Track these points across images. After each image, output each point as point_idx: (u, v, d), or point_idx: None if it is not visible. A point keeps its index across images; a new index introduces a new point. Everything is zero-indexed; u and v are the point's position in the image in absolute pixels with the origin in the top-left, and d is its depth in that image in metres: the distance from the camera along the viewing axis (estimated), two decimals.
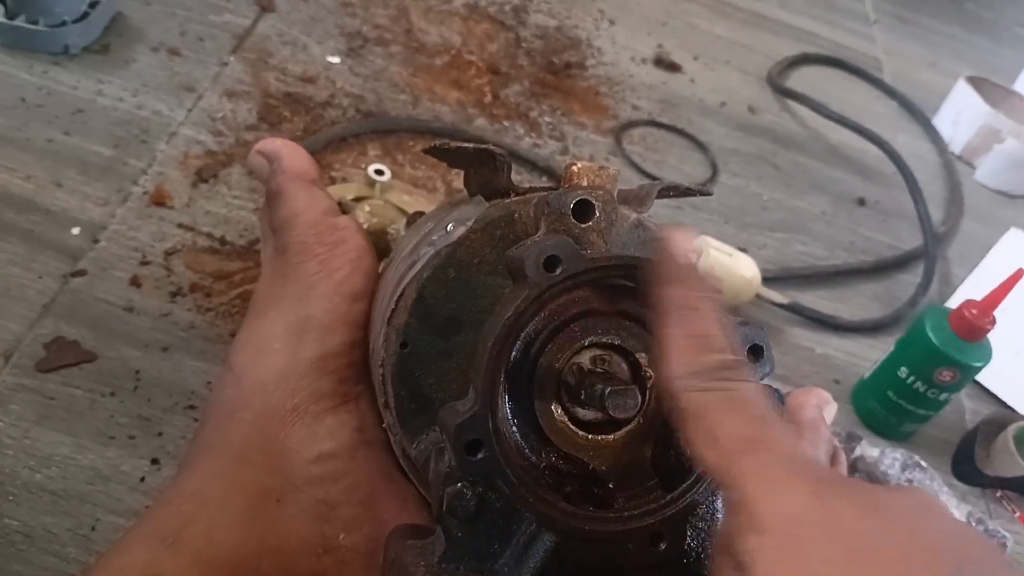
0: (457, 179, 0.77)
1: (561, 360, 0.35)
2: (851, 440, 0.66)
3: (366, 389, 0.45)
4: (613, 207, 0.35)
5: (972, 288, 0.82)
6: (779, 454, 0.27)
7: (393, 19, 0.92)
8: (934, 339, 0.65)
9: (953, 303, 0.83)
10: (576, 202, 0.34)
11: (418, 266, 0.41)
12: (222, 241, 0.65)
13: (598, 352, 0.35)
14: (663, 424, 0.35)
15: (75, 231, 0.62)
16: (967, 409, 0.76)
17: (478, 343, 0.36)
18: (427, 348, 0.39)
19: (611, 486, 0.34)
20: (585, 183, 0.40)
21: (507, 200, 0.42)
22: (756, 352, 0.33)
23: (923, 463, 0.65)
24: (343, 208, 0.63)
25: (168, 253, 0.62)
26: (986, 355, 0.66)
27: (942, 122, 1.10)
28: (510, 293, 0.33)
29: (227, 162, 0.70)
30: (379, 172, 0.69)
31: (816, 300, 0.80)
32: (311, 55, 0.84)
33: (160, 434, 0.53)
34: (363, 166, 0.73)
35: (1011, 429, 0.70)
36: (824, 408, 0.46)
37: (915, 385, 0.67)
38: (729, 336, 0.29)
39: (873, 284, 0.84)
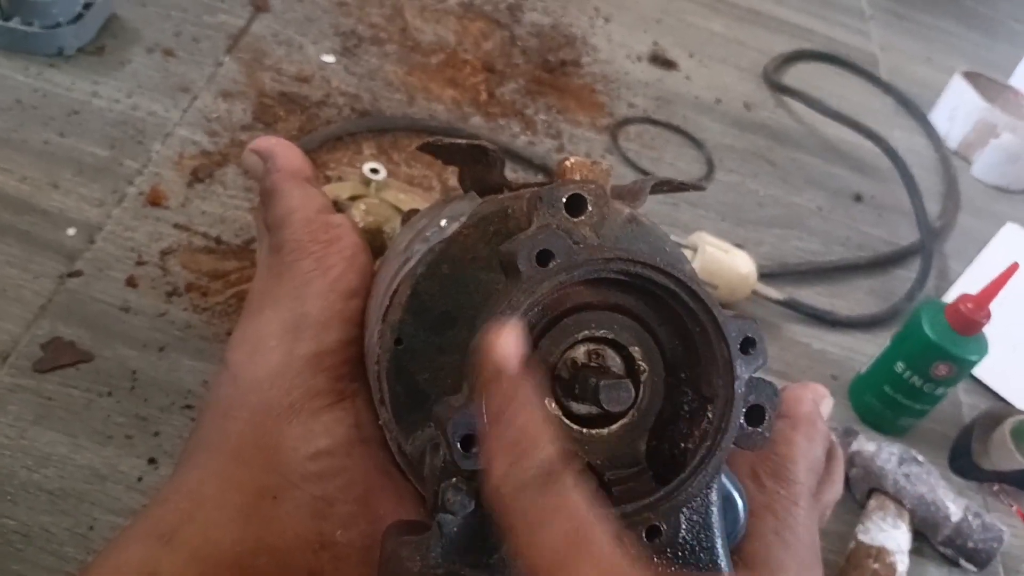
0: (453, 177, 0.77)
1: (555, 354, 0.35)
2: (848, 435, 0.66)
3: (362, 386, 0.45)
4: (605, 201, 0.35)
5: (968, 283, 0.82)
6: (594, 566, 0.26)
7: (388, 18, 0.92)
8: (930, 333, 0.65)
9: (949, 298, 0.83)
10: (568, 196, 0.34)
11: (412, 262, 0.41)
12: (218, 241, 0.65)
13: (592, 346, 0.35)
14: (657, 417, 0.35)
15: (71, 232, 0.62)
16: (964, 404, 0.76)
17: (472, 338, 0.36)
18: (421, 344, 0.40)
19: (606, 479, 0.34)
20: (578, 178, 0.41)
21: (500, 196, 0.42)
22: (748, 345, 0.33)
23: (920, 458, 0.65)
24: (338, 207, 0.63)
25: (164, 253, 0.62)
26: (982, 349, 0.66)
27: (938, 117, 1.10)
28: (503, 288, 0.33)
29: (222, 162, 0.70)
30: (374, 171, 0.69)
31: (813, 296, 0.80)
32: (306, 55, 0.84)
33: (157, 433, 0.53)
34: (358, 165, 0.73)
35: (1008, 423, 0.70)
36: (821, 403, 0.46)
37: (911, 380, 0.67)
38: (552, 439, 0.28)
39: (870, 279, 0.84)
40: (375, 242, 0.55)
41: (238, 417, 0.43)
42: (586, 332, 0.35)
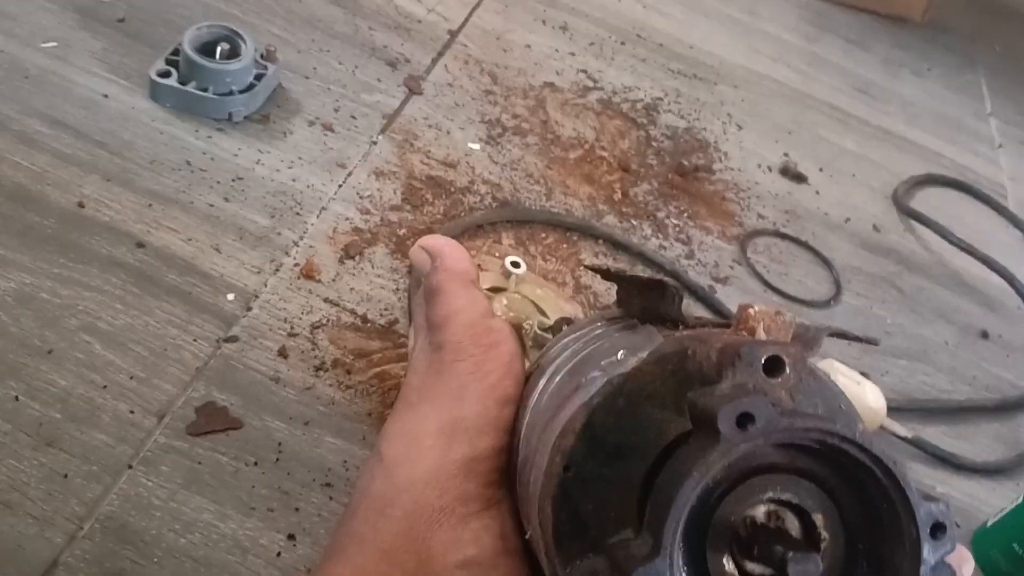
0: (585, 275, 0.79)
1: (736, 512, 0.35)
2: None
3: (507, 495, 0.46)
4: (803, 365, 0.35)
5: None
6: None
7: (531, 109, 0.95)
8: None
9: None
10: (768, 357, 0.35)
11: (587, 390, 0.42)
12: (364, 319, 0.67)
13: (773, 507, 0.35)
14: None
15: (230, 297, 0.65)
16: None
17: (648, 478, 0.36)
18: (589, 474, 0.40)
19: None
20: (761, 328, 0.41)
21: (679, 334, 0.43)
22: (938, 529, 0.33)
23: None
24: None
25: (314, 327, 0.65)
26: None
27: None
28: (698, 444, 0.33)
29: (372, 240, 0.73)
30: (516, 264, 0.71)
31: (938, 435, 0.78)
32: (453, 140, 0.87)
33: (297, 509, 0.54)
34: (497, 254, 0.75)
35: None
36: (963, 566, 0.45)
37: None
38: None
39: (996, 423, 0.82)
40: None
41: (392, 516, 0.44)
42: (770, 494, 0.35)
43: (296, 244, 0.70)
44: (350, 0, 0.97)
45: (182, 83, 0.78)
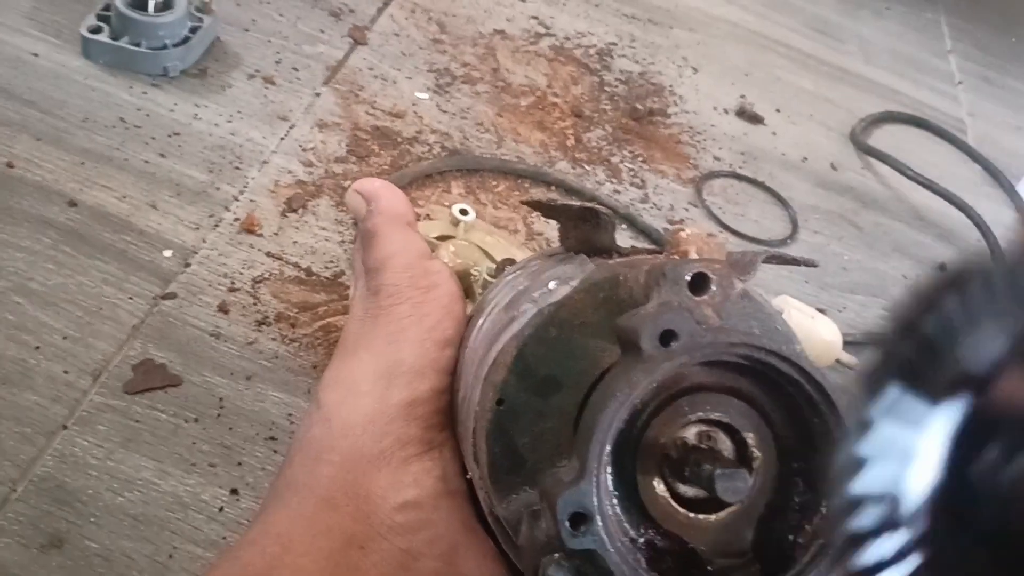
0: (537, 221, 0.77)
1: (666, 434, 0.34)
2: None
3: (449, 437, 0.45)
4: (729, 282, 0.34)
5: None
6: None
7: (481, 58, 0.93)
8: None
9: None
10: (693, 274, 0.34)
11: (519, 323, 0.41)
12: (308, 272, 0.65)
13: (703, 428, 0.35)
14: (767, 507, 0.34)
15: (167, 254, 0.63)
16: None
17: (583, 408, 0.35)
18: (523, 407, 0.39)
19: (709, 569, 0.34)
20: (693, 251, 0.40)
21: (611, 261, 0.42)
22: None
23: None
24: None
25: (256, 281, 0.63)
26: None
27: None
28: (623, 365, 0.33)
29: (316, 193, 0.71)
30: (464, 212, 0.70)
31: None
32: (400, 90, 0.85)
33: (240, 464, 0.53)
34: (446, 203, 0.74)
35: None
36: None
37: None
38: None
39: None
40: (462, 285, 0.55)
41: (330, 461, 0.43)
42: (700, 414, 0.34)
43: (236, 199, 0.69)
44: None
45: (114, 38, 0.76)
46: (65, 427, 0.52)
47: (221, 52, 0.81)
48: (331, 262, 0.67)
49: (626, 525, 0.34)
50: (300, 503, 0.42)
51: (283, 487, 0.44)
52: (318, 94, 0.80)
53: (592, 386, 0.36)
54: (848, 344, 0.75)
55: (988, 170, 1.11)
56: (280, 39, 0.84)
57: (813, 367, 0.32)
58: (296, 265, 0.65)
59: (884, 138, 1.07)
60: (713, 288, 0.34)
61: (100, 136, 0.70)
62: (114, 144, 0.69)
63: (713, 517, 0.34)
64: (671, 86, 1.01)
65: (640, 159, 0.89)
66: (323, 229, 0.69)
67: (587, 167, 0.85)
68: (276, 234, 0.67)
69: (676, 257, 0.40)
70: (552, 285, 0.42)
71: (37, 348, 0.55)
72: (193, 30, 0.78)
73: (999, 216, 1.03)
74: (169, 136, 0.71)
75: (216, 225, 0.66)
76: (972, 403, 0.18)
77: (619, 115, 0.93)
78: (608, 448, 0.32)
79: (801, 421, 0.34)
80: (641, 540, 0.34)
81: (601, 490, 0.32)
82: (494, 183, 0.79)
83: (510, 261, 0.59)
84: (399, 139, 0.79)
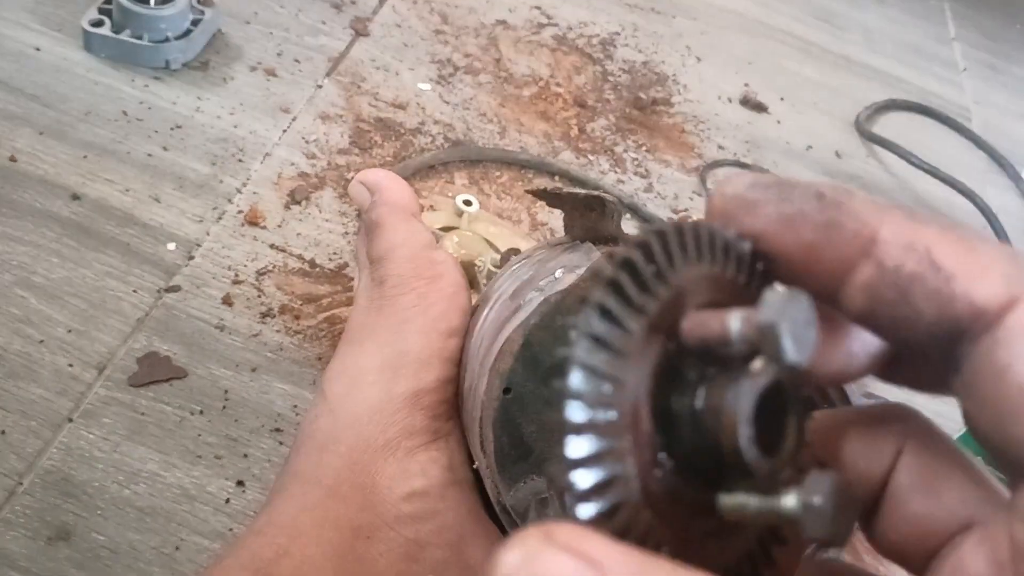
0: (542, 211, 0.77)
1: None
2: None
3: (455, 426, 0.45)
4: None
5: None
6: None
7: (483, 48, 0.93)
8: None
9: None
10: None
11: (525, 311, 0.41)
12: (312, 264, 0.65)
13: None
14: None
15: (171, 246, 0.63)
16: None
17: None
18: (530, 395, 0.39)
19: None
20: None
21: (618, 249, 0.42)
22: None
23: None
24: None
25: (260, 273, 0.63)
26: None
27: None
28: None
29: (319, 185, 0.71)
30: (467, 203, 0.70)
31: None
32: (402, 81, 0.84)
33: (246, 456, 0.53)
34: (450, 194, 0.73)
35: None
36: None
37: None
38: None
39: None
40: (466, 275, 0.55)
41: (335, 451, 0.43)
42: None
43: (239, 191, 0.68)
44: None
45: (116, 32, 0.76)
46: (71, 420, 0.52)
47: (223, 45, 0.80)
48: (335, 254, 0.67)
49: None
50: (306, 494, 0.42)
51: (289, 478, 0.43)
52: (320, 86, 0.80)
53: None
54: None
55: (993, 157, 1.10)
56: (282, 31, 0.84)
57: None
58: (300, 257, 0.65)
59: (888, 126, 1.07)
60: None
61: (102, 129, 0.69)
62: (117, 137, 0.69)
63: None
64: (674, 75, 1.00)
65: (644, 148, 0.89)
66: (327, 221, 0.69)
67: (590, 157, 0.85)
68: (279, 226, 0.67)
69: None
70: (558, 274, 0.42)
71: (41, 342, 0.55)
72: (195, 23, 0.78)
73: (1005, 203, 1.03)
74: (171, 129, 0.71)
75: (219, 218, 0.66)
76: (665, 343, 0.22)
77: (622, 105, 0.93)
78: None
79: None
80: None
81: None
82: (497, 173, 0.79)
83: (515, 251, 0.59)
84: (402, 130, 0.79)
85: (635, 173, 0.86)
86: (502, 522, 0.41)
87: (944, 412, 0.73)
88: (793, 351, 0.20)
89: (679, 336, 0.22)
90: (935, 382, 0.24)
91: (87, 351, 0.56)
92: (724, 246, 0.23)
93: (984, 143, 1.11)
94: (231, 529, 0.50)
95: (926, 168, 0.97)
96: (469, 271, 0.63)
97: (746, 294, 0.24)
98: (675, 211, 0.83)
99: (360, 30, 0.88)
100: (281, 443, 0.54)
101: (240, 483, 0.52)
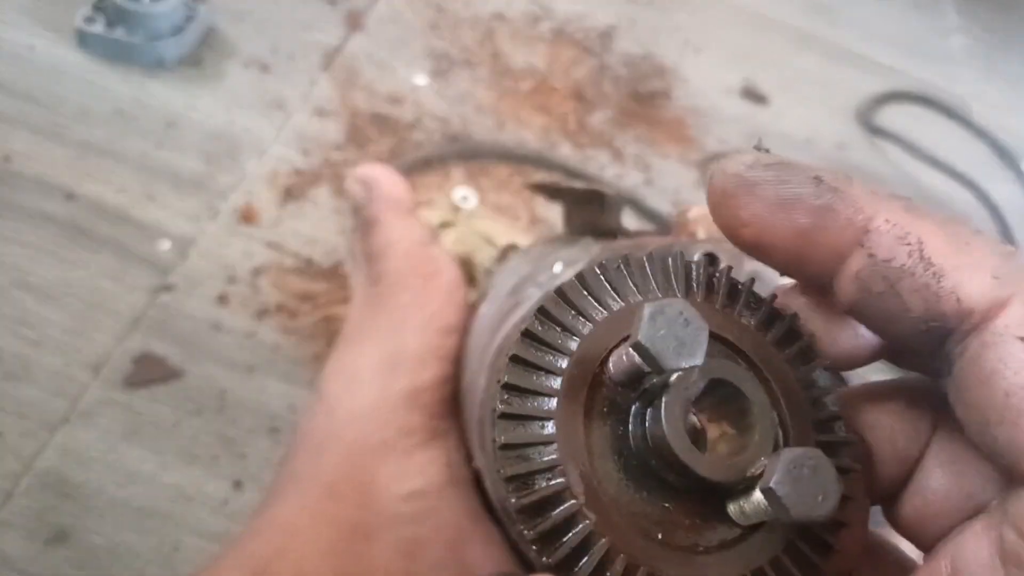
0: (540, 207, 0.76)
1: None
2: None
3: (454, 425, 0.45)
4: (739, 261, 0.34)
5: None
6: None
7: (479, 42, 0.92)
8: None
9: None
10: (704, 255, 0.33)
11: (524, 308, 0.40)
12: (308, 262, 0.65)
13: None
14: None
15: (166, 245, 0.62)
16: None
17: None
18: None
19: None
20: (702, 231, 0.39)
21: (617, 243, 0.41)
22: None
23: None
24: None
25: (255, 272, 0.63)
26: None
27: None
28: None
29: (315, 181, 0.70)
30: (465, 198, 0.69)
31: None
32: (398, 76, 0.84)
33: (243, 456, 0.53)
34: (447, 190, 0.73)
35: None
36: None
37: None
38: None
39: None
40: (464, 272, 0.55)
41: (333, 451, 0.43)
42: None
43: (234, 189, 0.68)
44: None
45: (109, 30, 0.75)
46: (67, 421, 0.52)
47: (216, 41, 0.80)
48: (331, 251, 0.66)
49: None
50: (304, 493, 0.42)
51: (286, 478, 0.43)
52: (315, 82, 0.79)
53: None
54: None
55: (995, 148, 1.09)
56: (275, 27, 0.83)
57: None
58: (296, 255, 0.65)
59: (890, 117, 1.06)
60: (722, 267, 0.34)
61: (97, 128, 0.69)
62: (111, 136, 0.69)
63: None
64: (673, 68, 1.00)
65: (644, 142, 0.88)
66: (323, 218, 0.68)
67: (589, 151, 0.84)
68: (275, 224, 0.66)
69: (684, 238, 0.39)
70: (557, 268, 0.41)
71: (37, 342, 0.55)
72: (188, 19, 0.77)
73: (1006, 194, 1.02)
74: (165, 127, 0.71)
75: (214, 216, 0.66)
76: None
77: (621, 98, 0.92)
78: None
79: None
80: None
81: None
82: (496, 169, 0.79)
83: (513, 247, 0.59)
84: (398, 126, 0.78)
85: (634, 167, 0.85)
86: (502, 521, 0.41)
87: None
88: (672, 359, 0.21)
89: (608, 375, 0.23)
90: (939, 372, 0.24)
91: (83, 351, 0.55)
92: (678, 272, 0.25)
93: (986, 134, 1.10)
94: (229, 530, 0.50)
95: (929, 160, 0.97)
96: (467, 267, 0.63)
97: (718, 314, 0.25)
98: (676, 205, 0.83)
99: (355, 25, 0.87)
100: (278, 443, 0.54)
101: (238, 483, 0.52)
